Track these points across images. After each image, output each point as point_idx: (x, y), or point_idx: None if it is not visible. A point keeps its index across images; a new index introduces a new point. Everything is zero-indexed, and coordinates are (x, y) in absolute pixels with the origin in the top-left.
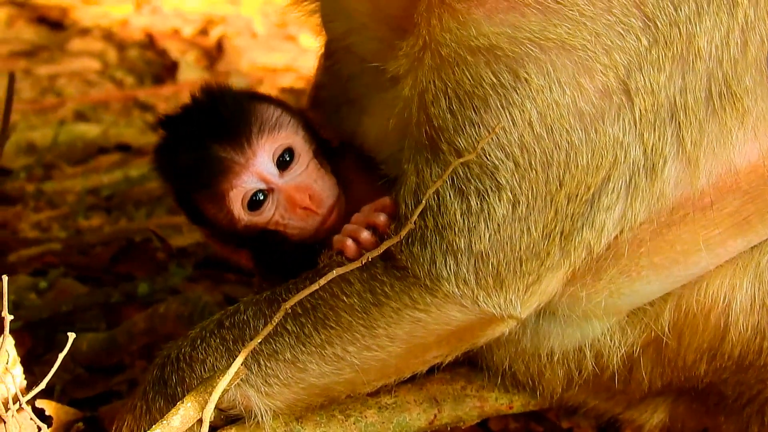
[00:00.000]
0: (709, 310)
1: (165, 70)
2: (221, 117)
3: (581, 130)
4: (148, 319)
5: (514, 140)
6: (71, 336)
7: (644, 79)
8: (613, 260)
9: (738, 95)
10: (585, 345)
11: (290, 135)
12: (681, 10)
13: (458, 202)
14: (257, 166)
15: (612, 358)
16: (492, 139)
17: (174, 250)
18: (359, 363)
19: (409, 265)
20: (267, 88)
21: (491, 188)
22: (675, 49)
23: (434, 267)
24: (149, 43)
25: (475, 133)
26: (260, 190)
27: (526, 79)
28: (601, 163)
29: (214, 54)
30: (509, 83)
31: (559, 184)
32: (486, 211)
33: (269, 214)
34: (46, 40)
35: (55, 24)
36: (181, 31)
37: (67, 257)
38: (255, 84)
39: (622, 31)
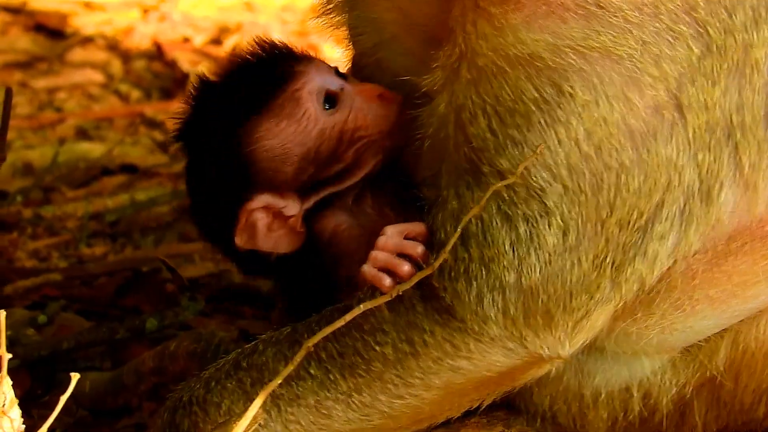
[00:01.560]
0: None
1: (174, 83)
2: (268, 55)
3: (632, 150)
4: (157, 357)
5: (561, 161)
6: (74, 376)
7: (697, 93)
8: (666, 293)
9: None
10: (633, 384)
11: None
12: (735, 16)
13: (506, 229)
14: (321, 70)
15: (662, 399)
16: (538, 159)
17: (185, 281)
18: (389, 411)
19: (453, 304)
20: None
21: (540, 214)
22: (730, 60)
23: (481, 306)
24: (157, 53)
25: (519, 153)
26: (332, 91)
27: (570, 94)
28: (654, 187)
29: None
30: (553, 98)
31: (610, 210)
32: (536, 241)
33: (345, 111)
34: (44, 49)
35: (54, 32)
36: (192, 40)
37: (68, 289)
38: None
39: (671, 39)
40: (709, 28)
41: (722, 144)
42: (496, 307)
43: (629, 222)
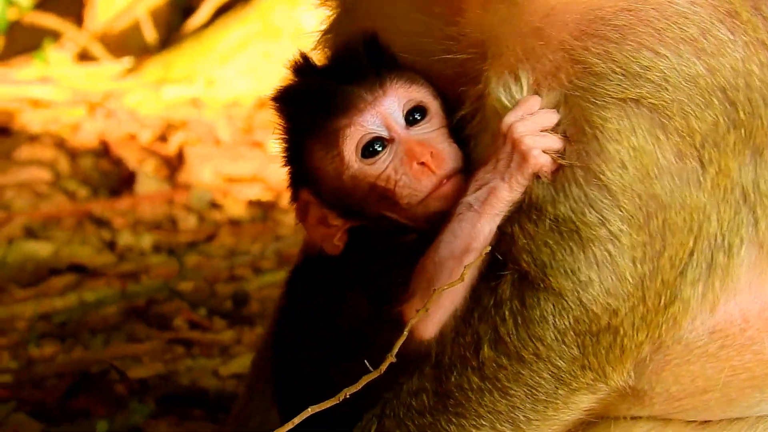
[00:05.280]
0: None
1: (121, 180)
2: (360, 55)
3: (669, 181)
4: None
5: (613, 185)
6: None
7: (719, 157)
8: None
9: None
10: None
11: (427, 96)
12: None
13: (583, 262)
14: (384, 108)
15: None
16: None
17: (134, 383)
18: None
19: (546, 355)
20: (232, 201)
21: (611, 242)
22: (753, 141)
23: (568, 349)
24: (104, 150)
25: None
26: (379, 138)
27: (601, 125)
28: (690, 229)
29: (174, 163)
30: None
31: (663, 246)
32: (613, 270)
33: (382, 166)
34: None
35: (0, 130)
36: (139, 137)
37: (18, 390)
38: (221, 197)
39: (702, 105)
40: (739, 109)
41: (740, 203)
42: (579, 350)
43: (676, 262)
